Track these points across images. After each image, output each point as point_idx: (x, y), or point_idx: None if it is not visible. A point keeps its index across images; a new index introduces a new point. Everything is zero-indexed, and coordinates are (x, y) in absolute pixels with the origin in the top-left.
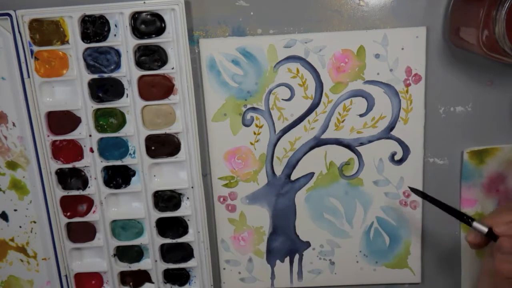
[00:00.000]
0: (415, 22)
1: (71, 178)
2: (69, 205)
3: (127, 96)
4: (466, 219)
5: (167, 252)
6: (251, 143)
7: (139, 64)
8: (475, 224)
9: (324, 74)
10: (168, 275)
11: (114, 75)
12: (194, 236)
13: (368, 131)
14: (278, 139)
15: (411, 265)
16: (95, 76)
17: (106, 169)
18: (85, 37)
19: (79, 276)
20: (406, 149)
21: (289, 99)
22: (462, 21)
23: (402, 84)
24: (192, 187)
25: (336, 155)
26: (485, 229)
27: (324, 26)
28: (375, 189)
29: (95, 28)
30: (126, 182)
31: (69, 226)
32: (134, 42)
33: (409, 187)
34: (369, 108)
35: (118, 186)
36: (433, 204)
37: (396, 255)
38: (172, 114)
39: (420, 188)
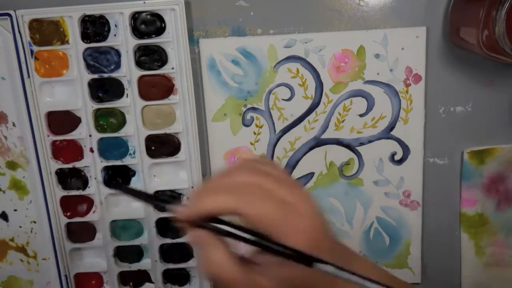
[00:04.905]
0: (415, 22)
1: (71, 178)
2: (69, 205)
3: (127, 96)
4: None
5: (167, 252)
6: (251, 143)
7: (139, 64)
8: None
9: (324, 74)
10: (168, 275)
11: (114, 75)
12: None
13: (368, 131)
14: (278, 139)
15: (411, 265)
16: (95, 76)
17: (106, 169)
18: (85, 37)
19: (79, 276)
20: (406, 149)
21: (289, 99)
22: (462, 21)
23: (402, 84)
24: (192, 187)
25: (336, 155)
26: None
27: (324, 26)
28: (375, 189)
29: (95, 28)
30: (126, 182)
31: (69, 226)
32: (134, 42)
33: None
34: (369, 108)
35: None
36: (131, 195)
37: (396, 255)
38: (172, 114)
39: (420, 188)
